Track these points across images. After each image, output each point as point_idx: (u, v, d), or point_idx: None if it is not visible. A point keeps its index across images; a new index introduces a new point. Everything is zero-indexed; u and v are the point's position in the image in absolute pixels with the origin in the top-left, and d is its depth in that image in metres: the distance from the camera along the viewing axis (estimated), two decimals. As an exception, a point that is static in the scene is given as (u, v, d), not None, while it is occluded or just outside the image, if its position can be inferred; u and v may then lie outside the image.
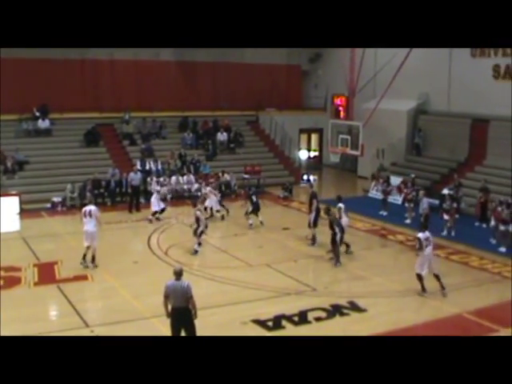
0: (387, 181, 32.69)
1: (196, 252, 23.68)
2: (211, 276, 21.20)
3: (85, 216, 21.86)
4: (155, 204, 28.88)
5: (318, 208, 25.40)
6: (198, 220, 24.02)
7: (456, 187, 29.88)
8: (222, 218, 29.42)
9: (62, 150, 36.11)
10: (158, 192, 29.94)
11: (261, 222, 27.76)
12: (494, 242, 25.70)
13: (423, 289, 19.70)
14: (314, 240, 25.29)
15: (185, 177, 35.60)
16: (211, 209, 29.57)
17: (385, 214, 31.03)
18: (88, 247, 21.69)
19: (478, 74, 35.13)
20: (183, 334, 14.09)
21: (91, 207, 22.23)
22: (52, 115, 37.45)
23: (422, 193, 28.50)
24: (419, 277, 19.69)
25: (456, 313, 18.37)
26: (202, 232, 24.11)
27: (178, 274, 14.33)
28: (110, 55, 38.71)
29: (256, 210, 27.87)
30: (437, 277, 19.76)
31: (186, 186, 35.11)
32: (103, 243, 22.70)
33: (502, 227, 25.22)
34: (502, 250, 24.85)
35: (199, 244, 23.98)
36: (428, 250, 19.72)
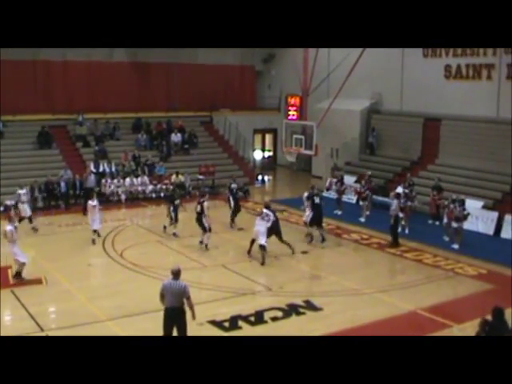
0: (341, 180, 32.84)
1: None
2: (167, 277, 21.05)
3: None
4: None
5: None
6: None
7: (410, 185, 30.15)
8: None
9: (15, 153, 35.55)
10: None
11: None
12: (446, 239, 26.03)
13: None
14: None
15: (139, 178, 35.41)
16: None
17: (339, 213, 31.20)
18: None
19: (430, 73, 35.54)
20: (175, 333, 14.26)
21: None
22: (4, 117, 36.89)
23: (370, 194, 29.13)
24: None
25: (410, 310, 18.55)
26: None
27: (176, 274, 14.58)
28: (62, 56, 38.37)
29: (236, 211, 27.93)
30: None
31: (140, 188, 34.92)
32: (58, 246, 22.53)
33: (454, 225, 25.55)
34: (455, 247, 25.18)
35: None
36: None
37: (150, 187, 34.51)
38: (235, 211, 28.43)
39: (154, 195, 34.80)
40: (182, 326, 14.26)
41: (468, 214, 26.08)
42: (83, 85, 40.10)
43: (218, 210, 31.12)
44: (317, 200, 25.84)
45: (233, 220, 28.17)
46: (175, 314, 14.35)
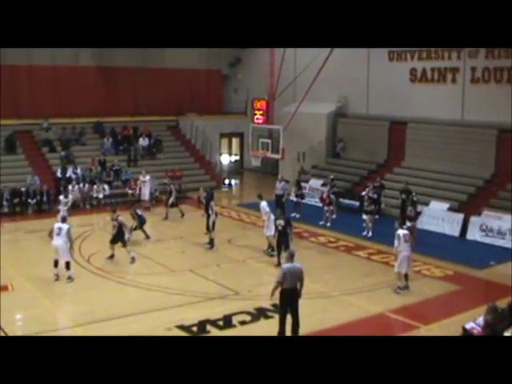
0: (298, 184, 32.84)
1: (133, 259, 23.34)
2: (134, 283, 21.02)
3: None
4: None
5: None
6: (120, 227, 23.65)
7: (374, 188, 30.25)
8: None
9: (-22, 158, 35.25)
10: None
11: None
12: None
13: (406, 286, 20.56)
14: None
15: (101, 184, 35.05)
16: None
17: (297, 216, 31.13)
18: None
19: (396, 77, 35.82)
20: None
21: None
22: (-32, 123, 36.51)
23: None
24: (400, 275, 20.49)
25: (379, 312, 18.63)
26: (128, 238, 23.82)
27: (292, 257, 16.12)
28: (27, 60, 38.02)
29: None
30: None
31: (105, 193, 34.69)
32: (25, 252, 22.28)
33: (408, 224, 25.95)
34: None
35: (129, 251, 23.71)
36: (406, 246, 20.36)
37: (108, 192, 34.33)
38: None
39: (120, 201, 34.60)
40: (296, 305, 15.76)
41: (420, 212, 26.41)
42: (49, 89, 39.76)
43: (185, 214, 31.09)
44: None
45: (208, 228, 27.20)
46: (292, 294, 15.68)
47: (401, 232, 20.51)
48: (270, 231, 24.25)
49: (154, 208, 32.92)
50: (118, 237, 23.47)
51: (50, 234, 21.30)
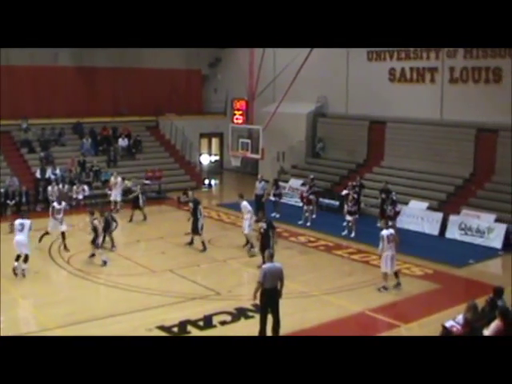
0: (276, 183, 32.84)
1: (105, 263, 23.20)
2: (114, 284, 20.94)
3: None
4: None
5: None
6: (95, 229, 23.59)
7: (353, 187, 30.30)
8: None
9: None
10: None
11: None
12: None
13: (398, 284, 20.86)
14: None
15: (80, 185, 34.84)
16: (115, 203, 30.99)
17: (277, 215, 31.16)
18: None
19: (375, 77, 35.97)
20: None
21: None
22: None
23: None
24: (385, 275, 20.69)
25: (359, 311, 18.69)
26: (101, 241, 23.74)
27: (272, 257, 16.24)
28: (6, 60, 37.66)
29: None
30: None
31: (84, 194, 34.52)
32: (4, 254, 22.12)
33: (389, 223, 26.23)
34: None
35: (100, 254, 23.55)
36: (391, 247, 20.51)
37: (88, 193, 34.15)
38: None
39: (100, 201, 34.44)
40: (277, 306, 15.80)
41: (399, 211, 26.54)
42: (28, 90, 39.43)
43: (164, 214, 31.07)
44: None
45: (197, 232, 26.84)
46: (273, 294, 15.71)
47: (385, 233, 20.67)
48: (250, 229, 24.37)
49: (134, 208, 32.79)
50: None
51: (12, 231, 21.58)
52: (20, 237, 21.38)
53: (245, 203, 25.09)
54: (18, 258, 21.31)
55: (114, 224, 26.05)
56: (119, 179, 33.46)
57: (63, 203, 25.93)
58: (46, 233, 25.26)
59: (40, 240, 24.98)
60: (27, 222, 21.71)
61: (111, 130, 41.00)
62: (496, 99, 30.40)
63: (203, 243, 25.21)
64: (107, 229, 24.73)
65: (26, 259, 21.43)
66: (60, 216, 25.25)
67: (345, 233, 27.52)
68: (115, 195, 32.81)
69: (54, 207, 25.51)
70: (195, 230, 25.32)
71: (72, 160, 36.77)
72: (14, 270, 21.17)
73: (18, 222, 21.70)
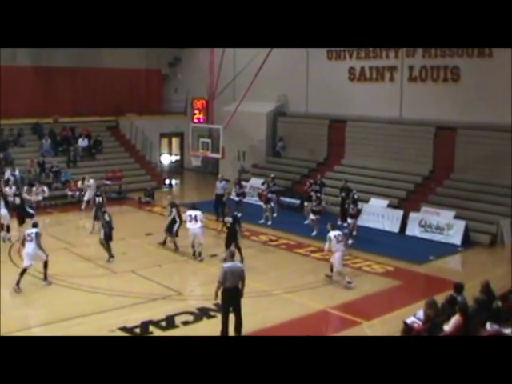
0: (239, 183, 32.84)
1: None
2: (76, 285, 20.75)
3: None
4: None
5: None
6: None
7: (312, 185, 30.41)
8: None
9: None
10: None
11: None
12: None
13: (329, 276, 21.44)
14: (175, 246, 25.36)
15: (40, 186, 34.40)
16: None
17: (239, 215, 31.14)
18: None
19: (335, 76, 36.15)
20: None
21: None
22: None
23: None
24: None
25: (321, 309, 18.77)
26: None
27: (233, 256, 16.66)
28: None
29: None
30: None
31: (44, 195, 34.15)
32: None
33: (349, 221, 26.60)
34: (349, 241, 25.60)
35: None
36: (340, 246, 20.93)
37: (47, 194, 33.75)
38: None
39: (60, 202, 34.18)
40: (239, 305, 15.91)
41: (360, 209, 26.72)
42: (-16, 90, 39.03)
43: (124, 215, 30.90)
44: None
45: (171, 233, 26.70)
46: (234, 293, 15.79)
47: (332, 234, 20.94)
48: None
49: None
50: None
51: None
52: None
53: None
54: None
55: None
56: (91, 181, 33.19)
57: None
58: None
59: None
60: None
61: (70, 130, 40.59)
62: (454, 98, 30.80)
63: (175, 243, 25.25)
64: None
65: None
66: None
67: (314, 233, 27.37)
68: (89, 196, 32.45)
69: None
70: (170, 231, 25.32)
71: (31, 161, 36.36)
72: None
73: None
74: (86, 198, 32.76)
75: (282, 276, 22.15)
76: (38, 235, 20.93)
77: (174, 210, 25.50)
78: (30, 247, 20.64)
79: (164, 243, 25.58)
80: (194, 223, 23.90)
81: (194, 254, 24.31)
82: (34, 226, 21.72)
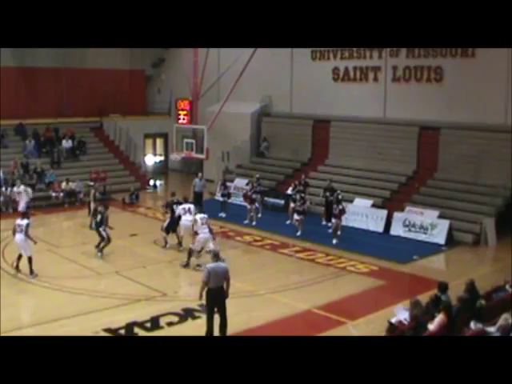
0: (224, 183, 32.81)
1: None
2: (60, 287, 20.66)
3: None
4: None
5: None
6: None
7: (296, 186, 30.46)
8: None
9: None
10: None
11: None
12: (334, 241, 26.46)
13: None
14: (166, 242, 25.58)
15: (21, 187, 33.97)
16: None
17: (224, 215, 31.16)
18: None
19: (319, 76, 36.20)
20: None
21: None
22: None
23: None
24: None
25: (305, 309, 18.77)
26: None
27: (216, 256, 16.36)
28: None
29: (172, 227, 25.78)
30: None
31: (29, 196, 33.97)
32: None
33: (333, 220, 26.65)
34: (333, 241, 26.22)
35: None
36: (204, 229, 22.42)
37: (31, 195, 33.45)
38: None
39: (44, 204, 34.01)
40: (223, 304, 15.95)
41: (343, 209, 26.76)
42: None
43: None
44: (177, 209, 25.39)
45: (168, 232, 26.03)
46: (218, 293, 15.78)
47: (198, 216, 22.70)
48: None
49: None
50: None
51: None
52: None
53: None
54: None
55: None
56: (22, 187, 32.66)
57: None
58: None
59: None
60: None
61: (53, 131, 40.39)
62: (438, 98, 30.97)
63: (165, 239, 25.56)
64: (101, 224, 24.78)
65: None
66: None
67: (299, 233, 27.39)
68: (19, 205, 31.83)
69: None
70: (167, 229, 25.61)
71: (15, 162, 36.15)
72: None
73: None
74: (21, 207, 31.90)
75: (267, 276, 22.15)
76: (27, 226, 21.61)
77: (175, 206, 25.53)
78: (19, 238, 21.58)
79: (187, 265, 23.80)
80: (189, 215, 24.12)
81: (179, 243, 25.24)
82: (25, 217, 22.35)
